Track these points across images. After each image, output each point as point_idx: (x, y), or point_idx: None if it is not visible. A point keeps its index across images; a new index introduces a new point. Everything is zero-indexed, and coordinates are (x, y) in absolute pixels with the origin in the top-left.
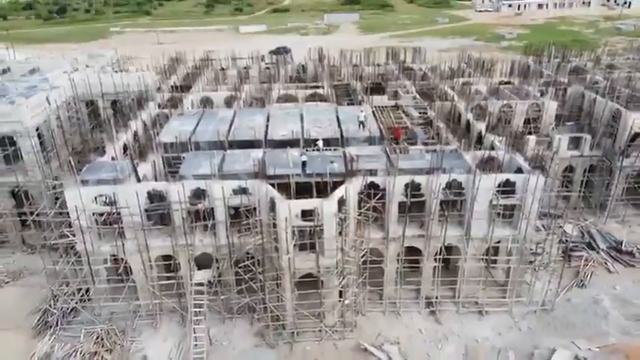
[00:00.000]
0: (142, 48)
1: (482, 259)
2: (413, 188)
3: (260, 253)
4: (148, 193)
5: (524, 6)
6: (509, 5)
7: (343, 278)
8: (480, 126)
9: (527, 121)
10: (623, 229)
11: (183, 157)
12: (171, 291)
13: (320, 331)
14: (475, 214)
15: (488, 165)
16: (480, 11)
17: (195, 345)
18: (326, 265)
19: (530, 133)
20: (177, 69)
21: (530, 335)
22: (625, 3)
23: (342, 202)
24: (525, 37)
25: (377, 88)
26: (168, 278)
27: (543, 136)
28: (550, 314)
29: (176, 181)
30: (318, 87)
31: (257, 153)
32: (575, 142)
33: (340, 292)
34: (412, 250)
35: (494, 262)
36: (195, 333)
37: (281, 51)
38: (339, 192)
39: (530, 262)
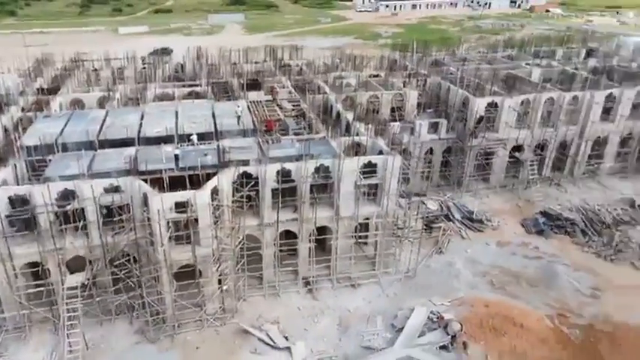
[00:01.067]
0: (6, 51)
1: (352, 236)
2: (284, 175)
3: (135, 250)
4: (9, 198)
5: (400, 7)
6: (387, 6)
7: (220, 266)
8: (349, 115)
9: (393, 110)
10: (476, 201)
11: (50, 160)
12: (40, 299)
13: (201, 320)
14: (342, 195)
15: (353, 150)
16: (360, 11)
17: (70, 351)
18: (203, 255)
19: (395, 120)
20: (43, 71)
21: (396, 300)
22: (486, 4)
23: (215, 193)
24: (400, 36)
25: (253, 85)
26: (37, 286)
27: (407, 122)
28: (413, 280)
29: (40, 184)
30: (196, 85)
31: (130, 151)
32: (434, 127)
33: (220, 280)
34: (288, 234)
35: (365, 238)
36: (68, 339)
37: (162, 52)
38: (212, 183)
39: (396, 235)
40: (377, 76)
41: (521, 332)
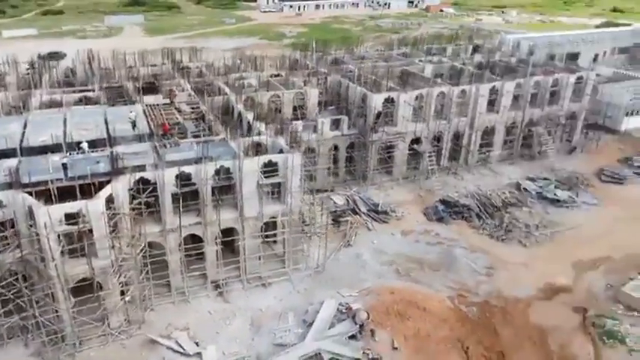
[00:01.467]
0: None
1: (259, 235)
2: (184, 178)
3: (24, 267)
4: None
5: (304, 7)
6: (291, 6)
7: (121, 276)
8: (249, 115)
9: (295, 108)
10: (381, 193)
11: None
12: None
13: (105, 334)
14: (245, 195)
15: (254, 150)
16: (265, 12)
17: None
18: (101, 267)
19: (298, 119)
20: None
21: (307, 295)
22: (385, 4)
23: (111, 201)
24: (304, 35)
25: (150, 88)
26: None
27: (309, 120)
28: (323, 274)
29: None
30: (87, 90)
31: (11, 162)
32: (336, 124)
33: (122, 291)
34: (194, 238)
35: (273, 236)
36: None
37: (53, 56)
38: (105, 191)
39: (304, 231)
40: (278, 75)
41: (425, 315)
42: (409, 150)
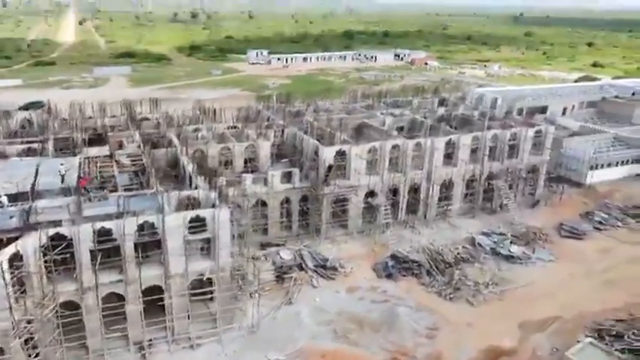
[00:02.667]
0: None
1: (188, 294)
2: (104, 234)
3: None
4: None
5: (292, 59)
6: (278, 59)
7: (26, 340)
8: (191, 168)
9: (247, 161)
10: (334, 247)
11: None
12: None
13: None
14: (171, 251)
15: (190, 204)
16: (253, 64)
17: None
18: (1, 329)
19: (248, 172)
20: None
21: (235, 358)
22: (372, 57)
23: (17, 259)
24: (287, 87)
25: (98, 139)
26: None
27: (260, 173)
28: (256, 334)
29: None
30: (34, 141)
31: None
32: (288, 176)
33: (29, 354)
34: (117, 296)
35: (210, 293)
36: None
37: (32, 106)
38: (10, 249)
39: (242, 288)
40: (234, 127)
41: None
42: (364, 203)
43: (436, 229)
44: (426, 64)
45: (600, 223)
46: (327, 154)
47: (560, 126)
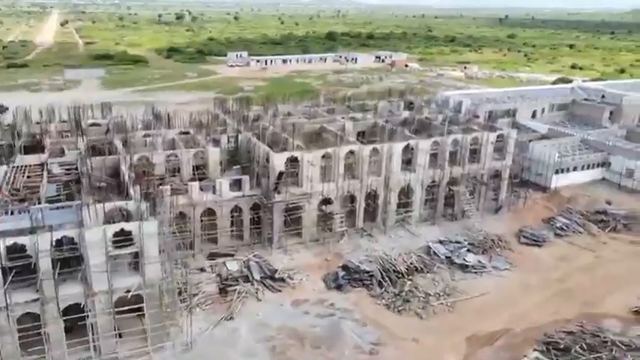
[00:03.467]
0: None
1: (113, 311)
2: (19, 250)
3: None
4: None
5: (271, 61)
6: (257, 61)
7: None
8: (131, 177)
9: (195, 168)
10: (285, 257)
11: None
12: None
13: None
14: (94, 267)
15: (121, 215)
16: (232, 66)
17: None
18: None
19: (196, 179)
20: None
21: None
22: (353, 59)
23: None
24: (262, 89)
25: (35, 147)
26: None
27: (209, 180)
28: (190, 352)
29: None
30: None
31: None
32: (238, 184)
33: None
34: (34, 316)
35: (137, 310)
36: None
37: None
38: None
39: (176, 303)
40: (187, 133)
41: None
42: (319, 211)
43: (394, 237)
44: (407, 65)
45: (561, 229)
46: (278, 160)
47: (528, 129)
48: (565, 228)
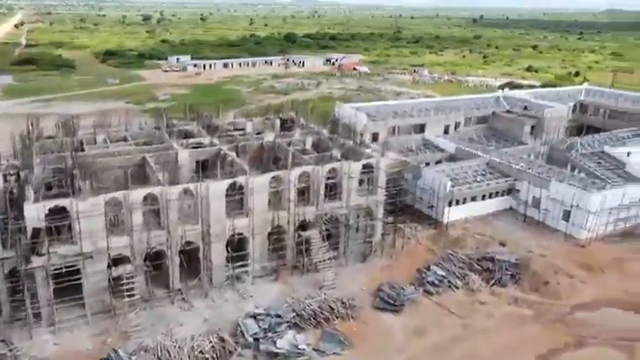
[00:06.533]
0: None
1: None
2: None
3: None
4: None
5: (210, 65)
6: (195, 65)
7: None
8: None
9: None
10: (52, 341)
11: None
12: None
13: None
14: None
15: None
16: (167, 71)
17: None
18: None
19: None
20: None
21: None
22: (300, 62)
23: None
24: (182, 98)
25: None
26: None
27: None
28: None
29: None
30: None
31: None
32: None
33: None
34: None
35: None
36: None
37: None
38: None
39: None
40: None
41: None
42: (110, 273)
43: (218, 302)
44: (355, 69)
45: (433, 284)
46: (32, 213)
47: (436, 148)
48: (438, 283)
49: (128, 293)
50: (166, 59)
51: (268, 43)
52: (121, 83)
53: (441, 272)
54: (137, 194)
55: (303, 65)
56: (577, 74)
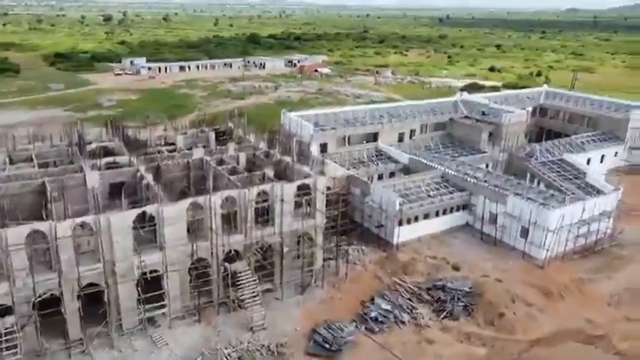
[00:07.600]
0: None
1: None
2: None
3: None
4: None
5: (166, 69)
6: (149, 68)
7: None
8: None
9: None
10: None
11: None
12: None
13: None
14: None
15: None
16: (119, 74)
17: None
18: None
19: None
20: None
21: None
22: (261, 64)
23: None
24: (129, 104)
25: None
26: None
27: None
28: None
29: None
30: None
31: None
32: None
33: None
34: None
35: None
36: None
37: None
38: None
39: None
40: None
41: None
42: None
43: (126, 352)
44: (316, 71)
45: (377, 320)
46: None
47: (389, 159)
48: (381, 318)
49: (7, 352)
50: (120, 62)
51: (230, 44)
52: (66, 88)
53: (385, 306)
54: (15, 233)
55: (263, 67)
56: (539, 74)
